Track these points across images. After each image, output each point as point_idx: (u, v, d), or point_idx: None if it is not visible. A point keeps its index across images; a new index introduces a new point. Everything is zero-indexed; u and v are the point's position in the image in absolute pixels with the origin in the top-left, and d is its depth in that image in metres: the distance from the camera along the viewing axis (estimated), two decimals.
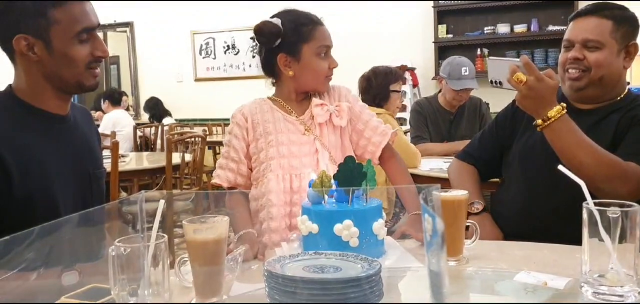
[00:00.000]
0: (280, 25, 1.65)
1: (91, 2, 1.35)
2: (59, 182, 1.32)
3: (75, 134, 1.43)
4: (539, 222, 1.66)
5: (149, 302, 0.91)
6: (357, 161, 1.29)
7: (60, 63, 1.30)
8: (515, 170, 1.80)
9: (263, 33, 1.66)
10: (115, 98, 5.92)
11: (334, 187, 1.28)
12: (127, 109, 7.50)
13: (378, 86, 3.10)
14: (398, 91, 3.06)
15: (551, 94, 1.50)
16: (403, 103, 3.92)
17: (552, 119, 1.50)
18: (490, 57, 1.67)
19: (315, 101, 1.69)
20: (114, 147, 3.25)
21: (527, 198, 1.72)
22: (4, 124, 1.28)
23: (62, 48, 1.29)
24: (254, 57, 6.95)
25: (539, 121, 1.52)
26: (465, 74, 3.34)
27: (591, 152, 1.50)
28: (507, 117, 1.89)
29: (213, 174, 1.72)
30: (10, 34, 1.27)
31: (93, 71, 1.36)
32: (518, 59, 1.52)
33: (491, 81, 1.62)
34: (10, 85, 1.36)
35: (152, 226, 0.92)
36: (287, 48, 1.65)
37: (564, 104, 1.52)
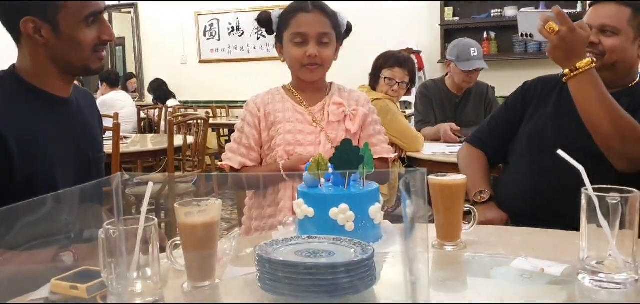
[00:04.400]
0: (275, 15, 1.75)
1: None
2: (59, 164, 1.33)
3: (76, 117, 1.44)
4: (546, 202, 1.66)
5: (137, 287, 0.90)
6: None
7: (67, 46, 1.31)
8: (522, 152, 1.79)
9: (259, 21, 1.79)
10: (112, 80, 5.91)
11: (330, 171, 1.26)
12: (134, 91, 7.51)
13: (373, 68, 3.08)
14: (390, 78, 3.00)
15: (582, 45, 1.52)
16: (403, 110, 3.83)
17: (580, 70, 1.52)
18: (522, 10, 1.67)
19: (334, 98, 1.73)
20: (116, 128, 3.25)
21: (535, 178, 1.71)
22: (6, 104, 1.28)
23: (69, 32, 1.30)
24: (258, 38, 6.92)
25: (567, 71, 1.54)
26: (474, 54, 3.30)
27: (611, 109, 1.52)
28: (517, 101, 1.89)
29: (222, 157, 1.76)
30: (18, 17, 1.27)
31: (99, 54, 1.37)
32: (549, 10, 1.53)
33: (522, 34, 1.63)
34: (13, 65, 1.36)
35: (141, 209, 0.91)
36: (278, 36, 1.76)
37: (594, 58, 1.55)
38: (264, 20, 1.77)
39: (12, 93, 1.31)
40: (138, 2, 7.46)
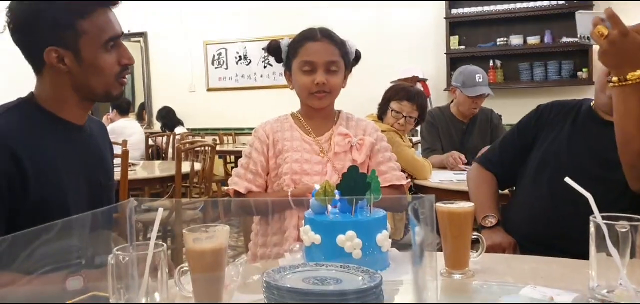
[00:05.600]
0: (284, 44, 1.77)
1: (113, 11, 1.38)
2: (71, 189, 1.35)
3: (90, 145, 1.46)
4: (556, 228, 1.64)
5: None
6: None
7: (88, 72, 1.34)
8: (532, 176, 1.78)
9: (268, 49, 1.81)
10: (122, 107, 5.96)
11: (337, 197, 1.26)
12: (142, 118, 7.56)
13: (383, 99, 3.08)
14: (397, 111, 2.99)
15: (637, 50, 1.38)
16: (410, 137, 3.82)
17: (630, 81, 1.40)
18: (580, 11, 1.57)
19: (340, 128, 1.74)
20: (124, 155, 3.27)
21: (545, 204, 1.70)
22: (25, 130, 1.30)
23: (90, 58, 1.33)
24: (265, 67, 6.98)
25: (615, 79, 1.43)
26: (479, 80, 3.32)
27: None
28: (530, 123, 1.87)
29: (229, 181, 1.77)
30: (41, 48, 1.30)
31: (121, 80, 1.40)
32: (602, 12, 1.41)
33: (580, 37, 1.53)
34: (31, 92, 1.39)
35: (151, 234, 0.91)
36: (287, 65, 1.78)
37: None
38: (273, 49, 1.79)
39: (30, 119, 1.33)
40: (147, 31, 7.55)
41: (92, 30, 1.32)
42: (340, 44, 1.73)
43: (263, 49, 1.88)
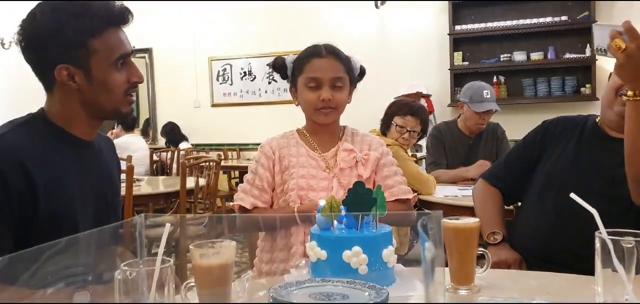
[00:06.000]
0: (289, 60, 1.78)
1: (124, 30, 1.40)
2: (80, 205, 1.36)
3: (98, 161, 1.47)
4: (562, 244, 1.64)
5: None
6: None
7: (98, 90, 1.35)
8: (538, 192, 1.77)
9: (274, 66, 1.83)
10: (127, 123, 5.99)
11: (343, 213, 1.27)
12: (147, 134, 7.59)
13: (385, 114, 3.11)
14: (401, 126, 3.02)
15: None
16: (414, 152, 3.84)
17: None
18: (597, 23, 1.54)
19: (345, 145, 1.75)
20: (129, 171, 3.28)
21: (551, 220, 1.69)
22: (35, 145, 1.31)
23: (101, 76, 1.34)
24: (269, 83, 7.01)
25: (630, 93, 1.41)
26: (487, 96, 3.33)
27: None
28: (536, 138, 1.87)
29: (234, 197, 1.77)
30: (52, 65, 1.32)
31: (129, 98, 1.41)
32: (620, 25, 1.39)
33: (597, 49, 1.51)
34: (42, 108, 1.41)
35: (158, 250, 0.92)
36: (292, 81, 1.80)
37: None
38: (278, 66, 1.81)
39: (40, 135, 1.35)
40: (152, 47, 7.60)
41: (103, 49, 1.34)
42: (345, 61, 1.74)
43: (268, 65, 1.89)
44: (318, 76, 1.70)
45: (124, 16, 1.38)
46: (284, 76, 1.82)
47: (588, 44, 5.59)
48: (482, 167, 3.17)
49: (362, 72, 1.82)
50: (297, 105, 1.80)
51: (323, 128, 1.77)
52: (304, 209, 1.63)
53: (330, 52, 1.73)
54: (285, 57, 1.81)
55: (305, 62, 1.74)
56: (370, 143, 1.80)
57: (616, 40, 1.36)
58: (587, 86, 5.73)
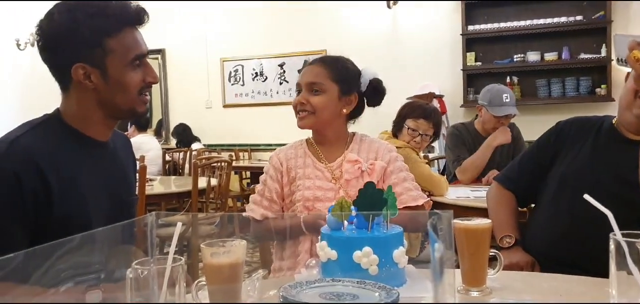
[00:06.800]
0: None
1: (139, 30, 1.41)
2: (93, 205, 1.37)
3: (112, 161, 1.48)
4: (577, 247, 1.62)
5: None
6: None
7: (114, 90, 1.36)
8: (552, 194, 1.75)
9: None
10: (141, 123, 6.03)
11: (353, 213, 1.26)
12: (160, 134, 7.64)
13: (398, 116, 3.09)
14: (414, 129, 3.00)
15: None
16: (426, 153, 3.83)
17: None
18: (618, 33, 1.54)
19: (350, 155, 1.76)
20: (142, 170, 3.30)
21: (566, 222, 1.67)
22: (50, 147, 1.32)
23: (116, 76, 1.35)
24: (281, 84, 7.02)
25: None
26: (507, 100, 3.30)
27: None
28: (550, 140, 1.85)
29: (246, 208, 1.80)
30: (68, 64, 1.33)
31: (144, 97, 1.42)
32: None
33: (618, 59, 1.50)
34: (58, 109, 1.42)
35: (170, 249, 0.92)
36: None
37: None
38: None
39: (56, 135, 1.36)
40: (165, 48, 7.65)
41: (119, 48, 1.35)
42: (332, 68, 1.75)
43: (298, 71, 1.95)
44: (299, 81, 1.79)
45: (140, 16, 1.39)
46: None
47: (603, 44, 5.53)
48: (505, 133, 3.20)
49: (373, 85, 1.80)
50: None
51: (326, 137, 1.79)
52: (310, 220, 1.64)
53: (319, 59, 1.80)
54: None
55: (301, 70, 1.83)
56: (378, 150, 1.79)
57: (634, 51, 1.35)
58: (603, 86, 5.67)
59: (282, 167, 1.77)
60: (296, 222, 1.66)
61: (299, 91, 1.78)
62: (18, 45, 7.94)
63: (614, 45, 1.47)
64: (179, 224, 0.94)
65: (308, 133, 1.84)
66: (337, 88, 1.74)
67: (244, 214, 1.80)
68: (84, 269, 1.01)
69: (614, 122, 1.74)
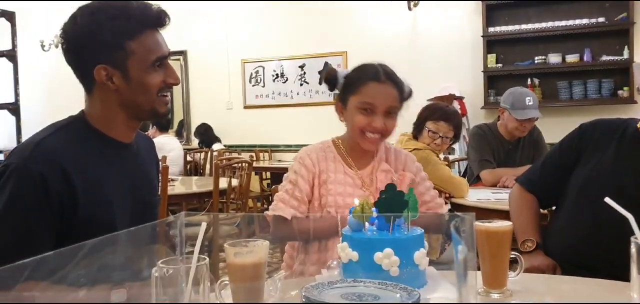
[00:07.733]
0: (341, 74, 1.75)
1: (161, 32, 1.43)
2: (117, 206, 1.39)
3: (136, 162, 1.50)
4: (599, 251, 1.61)
5: None
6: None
7: (136, 91, 1.38)
8: (574, 198, 1.74)
9: (326, 78, 1.78)
10: (162, 124, 6.10)
11: (374, 215, 1.27)
12: (181, 135, 7.73)
13: (418, 118, 3.08)
14: (434, 131, 2.99)
15: None
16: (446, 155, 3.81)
17: None
18: (637, 63, 1.53)
19: (383, 165, 1.76)
20: (164, 171, 3.35)
21: (589, 226, 1.66)
22: (75, 149, 1.34)
23: (138, 77, 1.37)
24: (301, 85, 7.05)
25: None
26: (529, 104, 3.27)
27: None
28: (572, 143, 1.83)
29: (271, 207, 1.75)
30: (91, 65, 1.36)
31: (164, 98, 1.43)
32: None
33: (637, 89, 1.51)
34: (82, 111, 1.44)
35: (194, 248, 0.94)
36: (341, 95, 1.76)
37: None
38: (330, 78, 1.76)
39: (80, 137, 1.38)
40: (187, 49, 7.73)
41: (140, 50, 1.36)
42: (400, 86, 1.71)
43: (319, 72, 1.89)
44: (373, 102, 1.66)
45: (161, 19, 1.41)
46: (331, 88, 1.78)
47: (626, 46, 5.44)
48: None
49: (410, 93, 1.77)
50: (342, 120, 1.78)
51: (356, 144, 1.75)
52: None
53: (389, 78, 1.69)
54: (338, 69, 1.78)
55: (361, 83, 1.69)
56: (405, 162, 1.81)
57: None
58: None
59: (314, 169, 1.73)
60: (333, 222, 1.63)
61: (368, 111, 1.67)
62: (43, 46, 8.09)
63: (634, 74, 1.46)
64: (204, 224, 0.96)
65: (329, 127, 1.83)
66: (400, 107, 1.73)
67: (269, 212, 1.76)
68: (108, 269, 1.03)
69: (638, 125, 1.73)
